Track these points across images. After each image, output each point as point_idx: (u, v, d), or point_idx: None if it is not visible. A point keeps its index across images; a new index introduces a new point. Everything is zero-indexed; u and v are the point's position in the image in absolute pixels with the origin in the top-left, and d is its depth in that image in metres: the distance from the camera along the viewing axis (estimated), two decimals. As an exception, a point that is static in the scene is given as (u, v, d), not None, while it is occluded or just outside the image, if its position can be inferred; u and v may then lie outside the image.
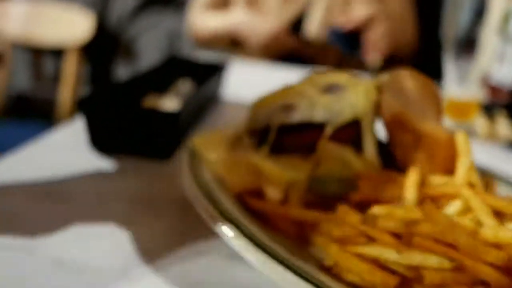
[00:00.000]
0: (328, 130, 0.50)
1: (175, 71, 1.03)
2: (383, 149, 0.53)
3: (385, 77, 0.54)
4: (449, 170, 0.48)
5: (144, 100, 0.85)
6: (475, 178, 0.45)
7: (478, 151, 0.84)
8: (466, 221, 0.38)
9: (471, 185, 0.45)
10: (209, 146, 0.54)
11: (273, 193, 0.47)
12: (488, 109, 0.93)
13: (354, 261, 0.37)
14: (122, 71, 3.34)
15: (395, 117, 0.49)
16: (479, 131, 0.92)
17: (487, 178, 0.51)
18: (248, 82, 1.22)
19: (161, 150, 0.68)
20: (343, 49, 1.10)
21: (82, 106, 0.66)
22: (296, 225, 0.45)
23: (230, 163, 0.51)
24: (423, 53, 1.49)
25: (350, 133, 0.52)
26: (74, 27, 2.38)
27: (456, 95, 0.93)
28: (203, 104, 0.95)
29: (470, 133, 0.93)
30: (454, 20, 0.91)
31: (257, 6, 1.37)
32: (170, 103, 0.86)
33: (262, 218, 0.47)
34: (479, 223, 0.39)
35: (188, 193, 0.47)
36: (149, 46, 3.05)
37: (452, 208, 0.42)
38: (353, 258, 0.38)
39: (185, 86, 1.00)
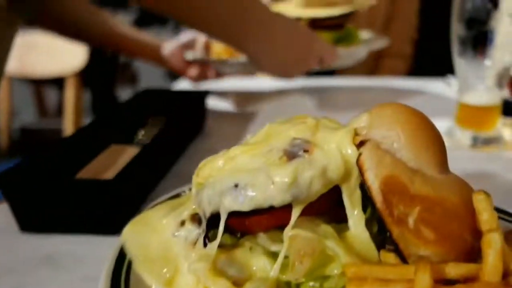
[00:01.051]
0: (296, 211, 0.36)
1: (150, 106, 0.91)
2: (375, 219, 0.39)
3: (363, 118, 0.40)
4: (469, 245, 0.34)
5: (101, 154, 0.73)
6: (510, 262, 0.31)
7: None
8: None
9: (506, 273, 0.31)
10: (143, 239, 0.41)
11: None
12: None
13: None
14: (124, 94, 3.26)
15: (386, 181, 0.35)
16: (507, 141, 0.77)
17: None
18: (232, 108, 1.09)
19: (103, 225, 0.54)
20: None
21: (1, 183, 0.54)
22: None
23: (170, 267, 0.38)
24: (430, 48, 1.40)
25: (327, 202, 0.38)
26: (70, 54, 2.31)
27: (472, 100, 0.78)
28: (181, 139, 0.82)
29: (494, 143, 0.78)
30: (464, 8, 0.75)
31: None
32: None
33: None
34: None
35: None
36: (148, 65, 2.96)
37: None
38: None
39: (155, 126, 0.87)
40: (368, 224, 0.38)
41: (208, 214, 0.38)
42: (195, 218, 0.41)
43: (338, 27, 1.09)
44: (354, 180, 0.37)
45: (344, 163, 0.37)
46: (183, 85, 1.28)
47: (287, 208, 0.36)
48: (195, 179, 0.41)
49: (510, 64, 0.76)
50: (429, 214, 0.34)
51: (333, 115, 1.02)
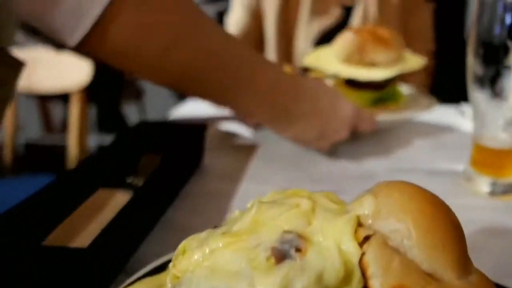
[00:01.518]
0: (285, 326, 0.30)
1: (144, 142, 0.85)
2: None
3: (368, 203, 0.34)
4: None
5: (85, 202, 0.67)
6: None
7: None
8: None
9: None
10: None
11: None
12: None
13: None
14: (129, 110, 3.23)
15: (393, 292, 0.29)
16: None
17: None
18: (233, 145, 1.03)
19: None
20: None
21: None
22: None
23: None
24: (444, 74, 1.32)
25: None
26: (75, 70, 2.29)
27: (489, 142, 0.72)
28: (177, 181, 0.77)
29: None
30: (480, 43, 0.69)
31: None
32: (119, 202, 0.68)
33: None
34: None
35: None
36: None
37: None
38: None
39: (149, 166, 0.81)
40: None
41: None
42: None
43: (379, 88, 0.98)
44: (356, 283, 0.31)
45: (344, 263, 0.31)
46: (188, 107, 1.23)
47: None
48: (171, 269, 0.35)
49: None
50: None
51: (344, 152, 0.94)
